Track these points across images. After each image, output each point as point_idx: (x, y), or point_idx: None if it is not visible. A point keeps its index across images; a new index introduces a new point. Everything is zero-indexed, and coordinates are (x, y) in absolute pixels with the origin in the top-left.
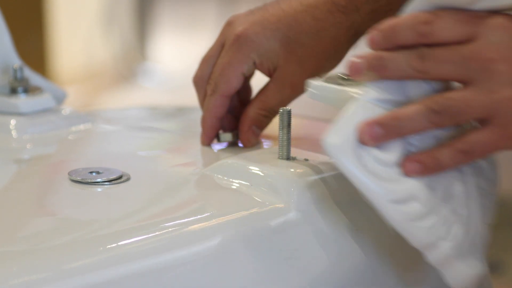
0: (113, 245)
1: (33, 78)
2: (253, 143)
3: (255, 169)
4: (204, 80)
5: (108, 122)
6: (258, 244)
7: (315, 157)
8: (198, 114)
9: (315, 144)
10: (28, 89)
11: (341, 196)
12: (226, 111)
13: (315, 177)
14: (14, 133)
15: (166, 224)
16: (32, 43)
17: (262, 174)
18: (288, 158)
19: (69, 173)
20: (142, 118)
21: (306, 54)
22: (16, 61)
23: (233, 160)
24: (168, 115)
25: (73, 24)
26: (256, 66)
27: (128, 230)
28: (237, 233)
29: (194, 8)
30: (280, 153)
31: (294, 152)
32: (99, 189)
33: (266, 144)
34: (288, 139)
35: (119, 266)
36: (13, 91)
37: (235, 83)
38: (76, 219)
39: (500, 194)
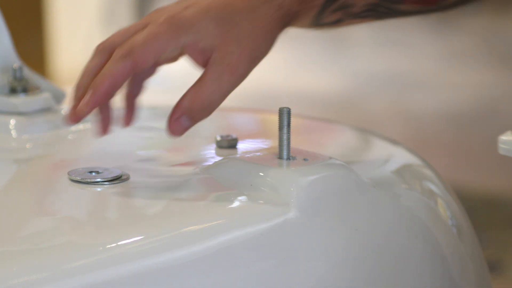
0: (113, 245)
1: (33, 78)
2: (178, 135)
3: (254, 168)
4: (112, 48)
5: None
6: (258, 244)
7: (315, 157)
8: None
9: (315, 144)
10: (28, 89)
11: (341, 196)
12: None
13: (314, 176)
14: (13, 132)
15: (166, 224)
16: (32, 43)
17: (262, 174)
18: (288, 157)
19: (68, 173)
20: (141, 117)
21: (242, 33)
22: (15, 61)
23: (233, 160)
24: (167, 115)
25: (73, 24)
26: (186, 50)
27: (127, 230)
28: (237, 233)
29: None
30: (280, 153)
31: (293, 151)
32: (98, 188)
33: (265, 143)
34: (288, 138)
35: (119, 266)
36: (13, 91)
37: (152, 58)
38: (75, 219)
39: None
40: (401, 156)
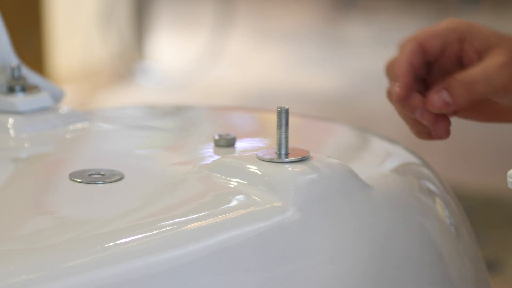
0: (111, 244)
1: (31, 76)
2: (435, 106)
3: (252, 167)
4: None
5: (106, 121)
6: (256, 242)
7: (313, 156)
8: (196, 112)
9: (313, 143)
10: (26, 88)
11: (339, 195)
12: (420, 63)
13: (312, 175)
14: (11, 132)
15: (164, 223)
16: (30, 41)
17: (260, 173)
18: (286, 156)
19: (69, 175)
20: (139, 116)
21: None
22: (13, 60)
23: (231, 159)
24: (166, 114)
25: (71, 23)
26: (463, 48)
27: (125, 229)
28: (235, 232)
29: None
30: (278, 152)
31: (291, 150)
32: (96, 187)
33: (264, 142)
34: (286, 137)
35: (117, 265)
36: (11, 89)
37: (435, 39)
38: (73, 218)
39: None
40: (399, 155)
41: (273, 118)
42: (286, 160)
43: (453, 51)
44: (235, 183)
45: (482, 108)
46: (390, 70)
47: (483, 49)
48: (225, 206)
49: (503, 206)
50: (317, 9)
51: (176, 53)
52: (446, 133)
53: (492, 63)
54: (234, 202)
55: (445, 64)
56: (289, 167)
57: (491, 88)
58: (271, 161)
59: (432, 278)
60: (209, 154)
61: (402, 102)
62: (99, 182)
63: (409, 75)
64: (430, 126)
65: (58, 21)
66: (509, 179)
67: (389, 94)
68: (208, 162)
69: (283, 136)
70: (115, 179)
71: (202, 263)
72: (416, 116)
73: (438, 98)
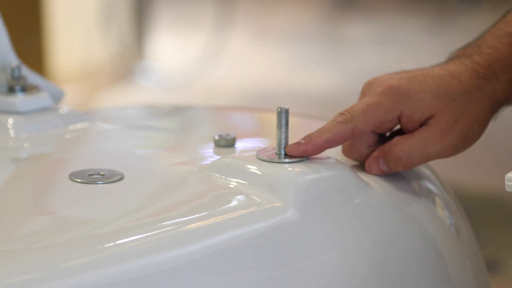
0: (111, 244)
1: (31, 77)
2: (372, 172)
3: (252, 168)
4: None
5: (106, 121)
6: (256, 243)
7: (313, 156)
8: (196, 112)
9: None
10: (26, 88)
11: (339, 195)
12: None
13: (312, 176)
14: (11, 132)
15: (164, 223)
16: (30, 41)
17: (260, 173)
18: (286, 156)
19: (69, 175)
20: (139, 117)
21: (457, 108)
22: (13, 60)
23: (231, 159)
24: (166, 114)
25: (71, 23)
26: (400, 121)
27: (125, 229)
28: (235, 232)
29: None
30: (278, 152)
31: None
32: (96, 187)
33: (263, 143)
34: (286, 137)
35: (116, 265)
36: (11, 90)
37: (370, 127)
38: (73, 218)
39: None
40: None
41: (273, 118)
42: (286, 160)
43: (392, 124)
44: (235, 183)
45: None
46: (315, 135)
47: (423, 118)
48: (225, 206)
49: (503, 206)
50: (317, 9)
51: (176, 53)
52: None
53: (430, 135)
54: (234, 202)
55: (386, 128)
56: (289, 167)
57: (427, 160)
58: (271, 161)
59: (432, 278)
60: (209, 154)
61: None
62: (99, 182)
63: (319, 150)
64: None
65: (58, 21)
66: (507, 182)
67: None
68: (208, 162)
69: (283, 136)
70: (115, 179)
71: (202, 263)
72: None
73: (375, 166)
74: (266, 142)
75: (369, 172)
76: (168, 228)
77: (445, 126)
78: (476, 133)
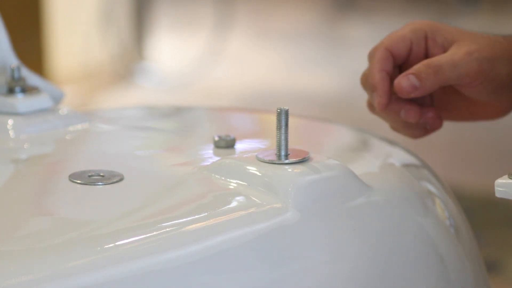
0: (111, 245)
1: (31, 77)
2: (404, 90)
3: (252, 168)
4: None
5: (106, 122)
6: (256, 243)
7: (313, 157)
8: (195, 113)
9: (312, 144)
10: (26, 89)
11: (338, 196)
12: (391, 68)
13: (312, 177)
14: (11, 133)
15: (164, 224)
16: (30, 42)
17: (260, 174)
18: (286, 157)
19: (69, 176)
20: (139, 117)
21: (481, 42)
22: (13, 61)
23: (231, 160)
24: (166, 115)
25: (71, 24)
26: (427, 44)
27: (125, 230)
28: (235, 233)
29: (191, 8)
30: (278, 153)
31: (291, 151)
32: (96, 188)
33: (263, 143)
34: (286, 138)
35: (116, 266)
36: (11, 91)
37: (400, 42)
38: (73, 219)
39: None
40: (398, 156)
41: (272, 119)
42: (286, 161)
43: (419, 50)
44: (235, 184)
45: (455, 106)
46: (366, 82)
47: (447, 44)
48: (225, 207)
49: (503, 206)
50: (317, 9)
51: (176, 53)
52: (438, 122)
53: (457, 51)
54: (234, 203)
55: (413, 63)
56: (289, 168)
57: (457, 73)
58: (271, 162)
59: (432, 278)
60: (209, 155)
61: (385, 109)
62: (99, 183)
63: (385, 83)
64: (419, 121)
65: (58, 21)
66: (497, 188)
67: (370, 106)
68: (208, 163)
69: (282, 137)
70: (114, 180)
71: (202, 264)
72: (402, 117)
73: (406, 82)
74: (266, 143)
75: (399, 91)
76: (167, 229)
77: (469, 47)
78: (498, 70)
